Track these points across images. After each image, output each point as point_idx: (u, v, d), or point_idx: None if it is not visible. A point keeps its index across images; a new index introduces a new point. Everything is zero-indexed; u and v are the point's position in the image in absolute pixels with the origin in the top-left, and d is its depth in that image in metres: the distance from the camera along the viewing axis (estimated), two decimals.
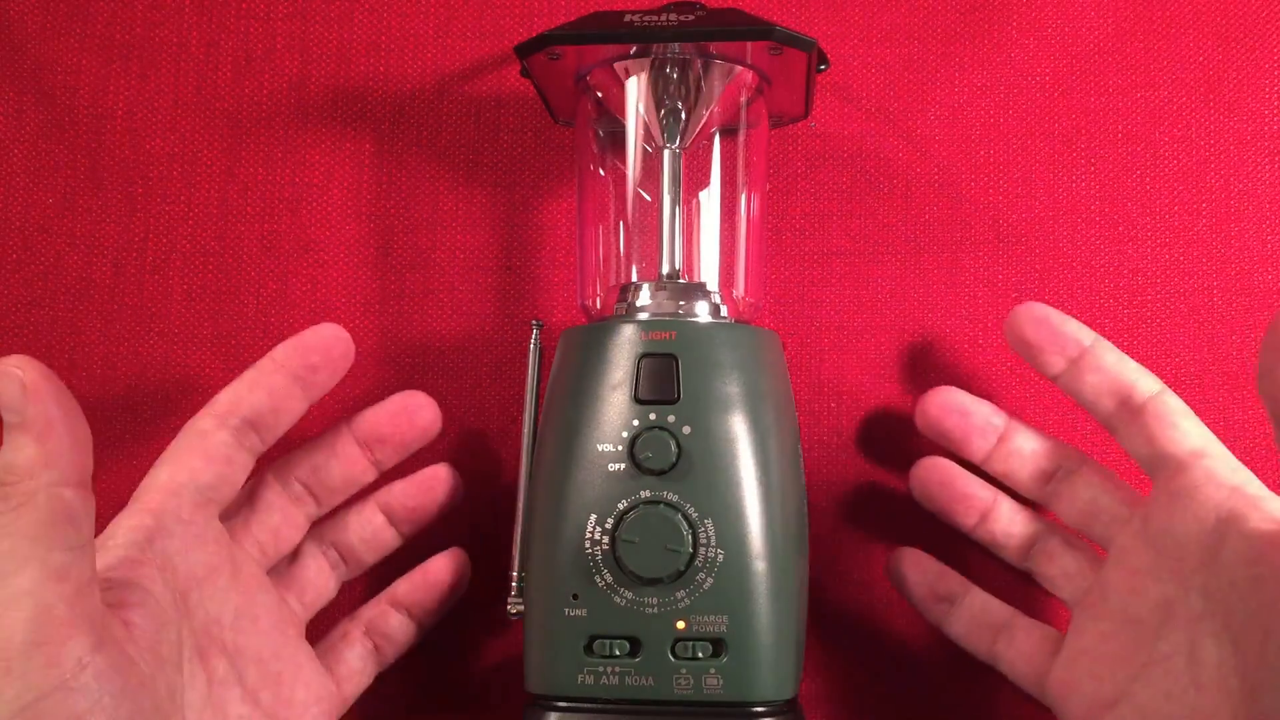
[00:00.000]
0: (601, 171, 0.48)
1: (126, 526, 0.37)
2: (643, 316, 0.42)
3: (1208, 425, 0.50)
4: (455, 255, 0.51)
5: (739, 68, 0.45)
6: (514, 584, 0.41)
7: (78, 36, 0.52)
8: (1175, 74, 0.51)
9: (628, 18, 0.42)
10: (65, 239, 0.51)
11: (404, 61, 0.52)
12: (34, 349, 0.50)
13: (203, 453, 0.38)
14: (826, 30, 0.52)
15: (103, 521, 0.50)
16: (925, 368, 0.50)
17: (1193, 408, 0.50)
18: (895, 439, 0.49)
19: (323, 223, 0.51)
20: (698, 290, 0.43)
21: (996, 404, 0.47)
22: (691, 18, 0.42)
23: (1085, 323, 0.50)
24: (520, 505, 0.42)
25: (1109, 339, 0.50)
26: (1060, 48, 0.52)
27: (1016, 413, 0.49)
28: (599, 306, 0.46)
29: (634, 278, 0.46)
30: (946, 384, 0.50)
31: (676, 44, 0.43)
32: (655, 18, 0.42)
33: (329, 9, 0.53)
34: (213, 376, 0.50)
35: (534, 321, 0.44)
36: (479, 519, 0.48)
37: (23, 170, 0.52)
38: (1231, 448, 0.49)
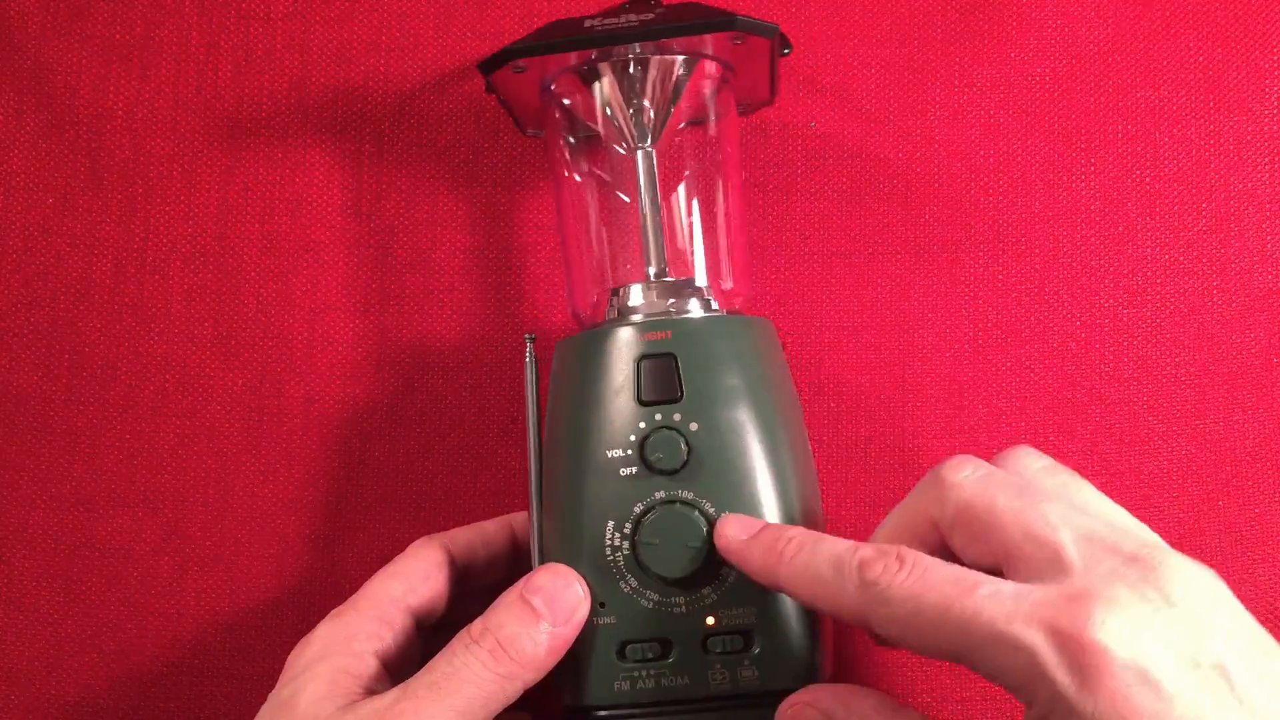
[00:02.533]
0: (577, 178, 0.48)
1: None
2: (635, 318, 0.42)
3: (1207, 425, 0.50)
4: (455, 255, 0.51)
5: (703, 60, 0.44)
6: None
7: (78, 36, 0.52)
8: (1175, 74, 0.51)
9: (587, 23, 0.42)
10: (65, 239, 0.51)
11: (404, 61, 0.52)
12: (34, 349, 0.50)
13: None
14: (826, 30, 0.52)
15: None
16: (925, 368, 0.50)
17: (1193, 408, 0.50)
18: (895, 439, 0.49)
19: (323, 223, 0.51)
20: (687, 286, 0.43)
21: (997, 405, 0.47)
22: (651, 15, 0.42)
23: (1085, 322, 0.50)
24: (534, 518, 0.41)
25: (1109, 339, 0.50)
26: (1060, 48, 0.52)
27: (1019, 412, 0.49)
28: (590, 313, 0.46)
29: (622, 280, 0.46)
30: (944, 384, 0.50)
31: (638, 44, 0.43)
32: (615, 20, 0.42)
33: (329, 9, 0.52)
34: (213, 376, 0.50)
35: (527, 335, 0.43)
36: (481, 518, 0.48)
37: (23, 170, 0.52)
38: (1232, 448, 0.49)
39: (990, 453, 0.49)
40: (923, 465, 0.49)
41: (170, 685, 0.49)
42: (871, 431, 0.50)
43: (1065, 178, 0.51)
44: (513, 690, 0.36)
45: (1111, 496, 0.49)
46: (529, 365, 0.43)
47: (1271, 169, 0.51)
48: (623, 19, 0.42)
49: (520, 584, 0.38)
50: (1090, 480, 0.49)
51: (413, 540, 0.49)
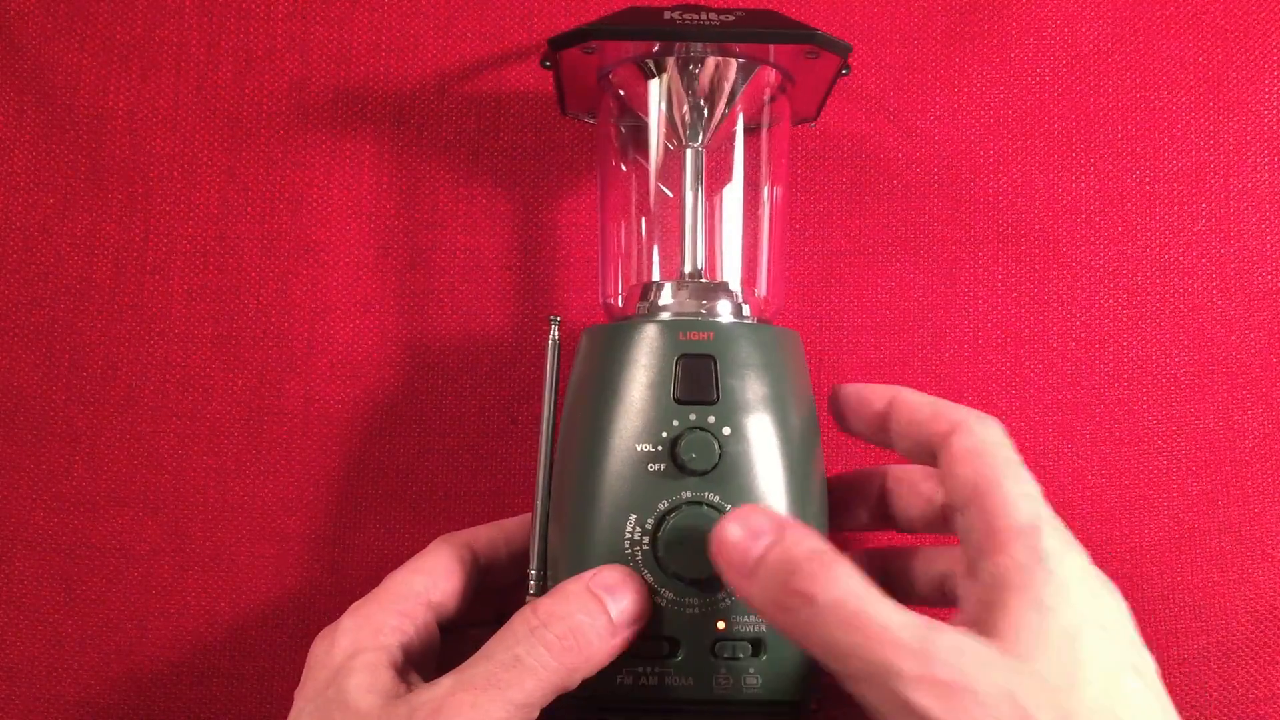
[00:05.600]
0: (623, 168, 0.47)
1: None
2: (665, 316, 0.42)
3: (1207, 425, 0.50)
4: (455, 255, 0.51)
5: (766, 67, 0.44)
6: (532, 582, 0.40)
7: (78, 37, 0.52)
8: (1175, 74, 0.51)
9: (667, 15, 0.42)
10: (66, 239, 0.51)
11: (404, 61, 0.52)
12: (34, 349, 0.50)
13: None
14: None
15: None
16: (925, 367, 0.50)
17: (1193, 407, 0.50)
18: None
19: (323, 223, 0.51)
20: (721, 289, 0.43)
21: (997, 405, 0.47)
22: (732, 18, 0.42)
23: (1085, 322, 0.50)
24: (538, 503, 0.41)
25: (1109, 339, 0.50)
26: (1060, 48, 0.52)
27: (1019, 412, 0.49)
28: (620, 304, 0.46)
29: (654, 276, 0.46)
30: (944, 384, 0.50)
31: (700, 42, 0.43)
32: (695, 16, 0.42)
33: (329, 9, 0.52)
34: (213, 376, 0.50)
35: (552, 317, 0.43)
36: (481, 518, 0.48)
37: (23, 170, 0.52)
38: (1232, 447, 0.49)
39: None
40: None
41: (170, 685, 0.49)
42: None
43: (1065, 178, 0.51)
44: (570, 684, 0.36)
45: (1111, 496, 0.50)
46: (551, 347, 0.43)
47: (1271, 169, 0.51)
48: (703, 17, 0.42)
49: (586, 577, 0.37)
50: (1089, 480, 0.50)
51: (412, 539, 0.49)
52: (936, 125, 0.51)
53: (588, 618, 0.36)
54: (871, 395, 0.41)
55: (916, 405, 0.39)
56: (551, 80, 0.47)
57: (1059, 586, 0.32)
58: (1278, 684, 0.48)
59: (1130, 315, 0.50)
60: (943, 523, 0.41)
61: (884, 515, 0.43)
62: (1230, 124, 0.51)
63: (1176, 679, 0.36)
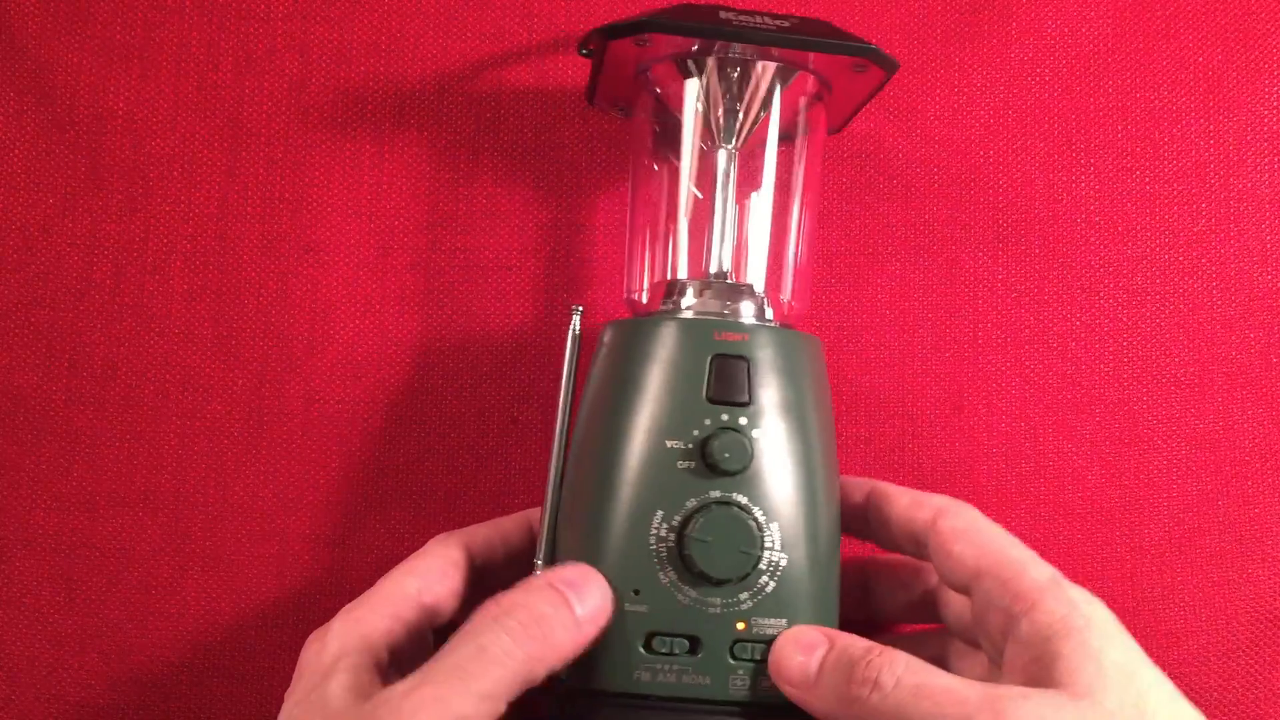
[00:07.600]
0: (655, 166, 0.47)
1: None
2: (687, 314, 0.42)
3: (1208, 425, 0.50)
4: (455, 255, 0.51)
5: (807, 74, 0.44)
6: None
7: (78, 37, 0.52)
8: (1175, 74, 0.51)
9: (723, 14, 0.42)
10: (65, 239, 0.51)
11: (404, 61, 0.52)
12: (34, 349, 0.50)
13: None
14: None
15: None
16: (925, 368, 0.50)
17: (1193, 407, 0.50)
18: (895, 439, 0.49)
19: (323, 223, 0.51)
20: (747, 292, 0.43)
21: (997, 405, 0.47)
22: (786, 24, 0.42)
23: (1085, 322, 0.50)
24: (549, 497, 0.41)
25: (1109, 339, 0.50)
26: (1060, 48, 0.52)
27: (1019, 412, 0.49)
28: (644, 301, 0.46)
29: (678, 274, 0.45)
30: (944, 384, 0.50)
31: (738, 45, 0.43)
32: (750, 19, 0.42)
33: (329, 9, 0.52)
34: (213, 376, 0.50)
35: (574, 307, 0.43)
36: (482, 518, 0.48)
37: (23, 170, 0.52)
38: (1232, 447, 0.49)
39: (989, 452, 0.49)
40: (922, 465, 0.49)
41: (170, 685, 0.49)
42: (871, 432, 0.50)
43: (1065, 178, 0.51)
44: (537, 675, 0.35)
45: (1111, 496, 0.50)
46: (571, 338, 0.42)
47: (1271, 169, 0.51)
48: (759, 20, 0.42)
49: (548, 574, 0.37)
50: (1089, 480, 0.50)
51: (412, 539, 0.49)
52: (937, 125, 0.51)
53: (552, 609, 0.36)
54: (849, 488, 0.43)
55: (895, 495, 0.41)
56: (589, 70, 0.46)
57: (1099, 628, 0.35)
58: (1278, 684, 0.48)
59: (1130, 315, 0.50)
60: (924, 609, 0.43)
61: (864, 605, 0.45)
62: (1230, 124, 0.51)
63: (1176, 679, 0.36)
